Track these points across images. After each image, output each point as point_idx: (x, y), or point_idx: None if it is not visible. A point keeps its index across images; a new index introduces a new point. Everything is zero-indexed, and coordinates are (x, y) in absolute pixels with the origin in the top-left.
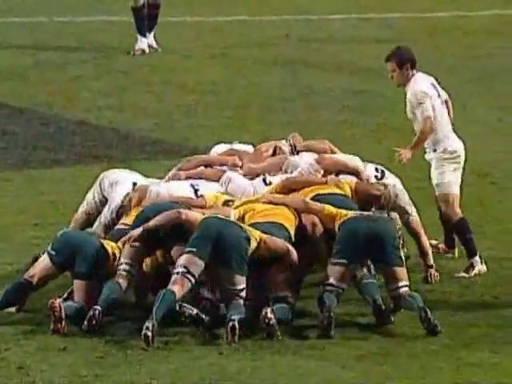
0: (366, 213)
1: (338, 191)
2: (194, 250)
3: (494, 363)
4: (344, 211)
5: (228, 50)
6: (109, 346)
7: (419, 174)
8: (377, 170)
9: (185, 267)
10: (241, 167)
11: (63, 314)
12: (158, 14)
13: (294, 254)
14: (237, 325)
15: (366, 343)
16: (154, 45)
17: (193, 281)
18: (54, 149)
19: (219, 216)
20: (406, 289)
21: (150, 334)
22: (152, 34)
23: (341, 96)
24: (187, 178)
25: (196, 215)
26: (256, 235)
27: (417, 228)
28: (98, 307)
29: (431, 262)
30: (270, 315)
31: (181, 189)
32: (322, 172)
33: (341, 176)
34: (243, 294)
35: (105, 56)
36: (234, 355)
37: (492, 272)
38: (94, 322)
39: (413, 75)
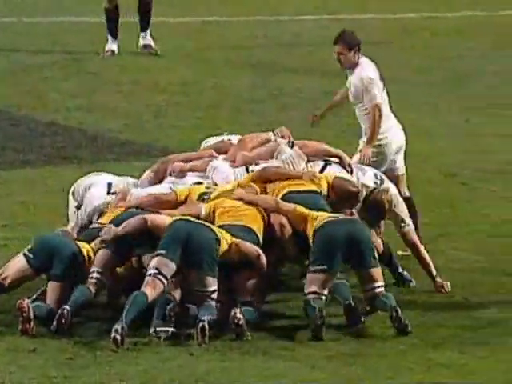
0: (338, 215)
1: (311, 188)
2: (164, 252)
3: (462, 364)
4: (315, 213)
5: (199, 51)
6: (78, 347)
7: None
8: (376, 176)
9: (156, 269)
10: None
11: (31, 315)
12: (151, 12)
13: (264, 259)
14: (206, 325)
15: (335, 344)
16: (153, 45)
17: (165, 282)
18: (24, 150)
19: (189, 218)
20: (382, 289)
21: (118, 336)
22: (148, 32)
23: (311, 97)
24: (181, 171)
25: (163, 219)
26: (227, 237)
27: (413, 238)
28: (67, 307)
29: (434, 272)
30: (238, 315)
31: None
32: (305, 158)
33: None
34: (214, 295)
35: (74, 57)
36: (204, 356)
37: (461, 273)
38: (63, 322)
39: (359, 59)
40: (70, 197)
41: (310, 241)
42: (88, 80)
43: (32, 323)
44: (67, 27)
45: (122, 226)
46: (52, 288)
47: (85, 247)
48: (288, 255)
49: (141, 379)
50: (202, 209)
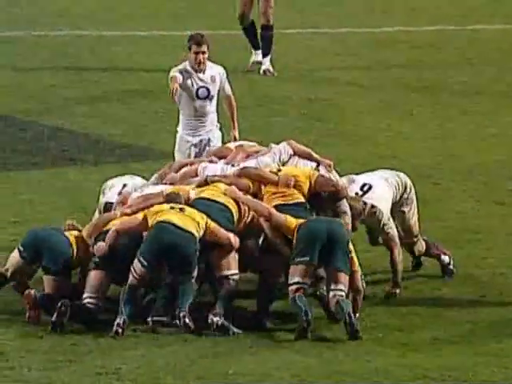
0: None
1: (296, 199)
2: (146, 264)
3: (435, 349)
4: (300, 221)
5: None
6: (81, 334)
7: None
8: (362, 188)
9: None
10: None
11: (37, 303)
12: (272, 37)
13: (234, 240)
14: (187, 320)
15: (318, 331)
16: (271, 69)
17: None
18: (32, 152)
19: (172, 222)
20: (343, 294)
21: (120, 330)
22: (268, 58)
23: (297, 104)
24: (172, 182)
25: (131, 221)
26: (203, 222)
27: (391, 244)
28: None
29: (397, 279)
30: (215, 320)
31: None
32: (291, 151)
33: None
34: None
35: (77, 66)
36: (197, 342)
37: (433, 265)
38: (63, 309)
39: None
40: (101, 194)
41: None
42: (91, 88)
43: (38, 311)
44: (71, 40)
45: (106, 241)
46: (46, 282)
47: (73, 235)
48: (286, 256)
49: (139, 363)
50: (192, 194)
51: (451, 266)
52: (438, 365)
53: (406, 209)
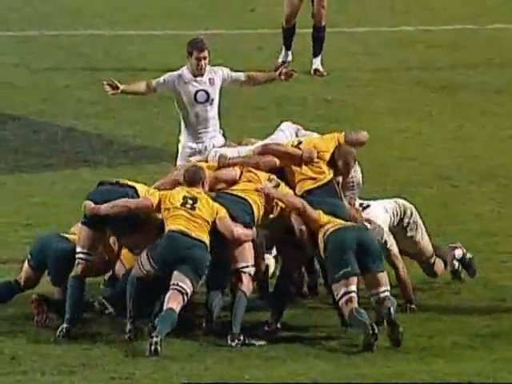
0: (348, 223)
1: (323, 180)
2: (156, 267)
3: (453, 354)
4: (330, 221)
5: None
6: (94, 339)
7: None
8: (361, 205)
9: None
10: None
11: (45, 307)
12: (324, 38)
13: (237, 237)
14: (159, 348)
15: (336, 336)
16: (321, 69)
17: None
18: (45, 154)
19: (182, 230)
20: (387, 294)
21: (159, 348)
22: (319, 58)
23: (313, 105)
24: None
25: (139, 203)
26: (212, 215)
27: (394, 261)
28: (65, 325)
29: (409, 295)
30: (234, 344)
31: None
32: (300, 127)
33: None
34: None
35: (91, 67)
36: (212, 347)
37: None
38: (64, 338)
39: None
40: None
41: (320, 245)
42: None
43: (45, 315)
44: (85, 39)
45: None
46: (56, 292)
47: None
48: (308, 254)
49: (153, 368)
50: (237, 171)
51: (467, 260)
52: (457, 370)
53: (412, 233)
